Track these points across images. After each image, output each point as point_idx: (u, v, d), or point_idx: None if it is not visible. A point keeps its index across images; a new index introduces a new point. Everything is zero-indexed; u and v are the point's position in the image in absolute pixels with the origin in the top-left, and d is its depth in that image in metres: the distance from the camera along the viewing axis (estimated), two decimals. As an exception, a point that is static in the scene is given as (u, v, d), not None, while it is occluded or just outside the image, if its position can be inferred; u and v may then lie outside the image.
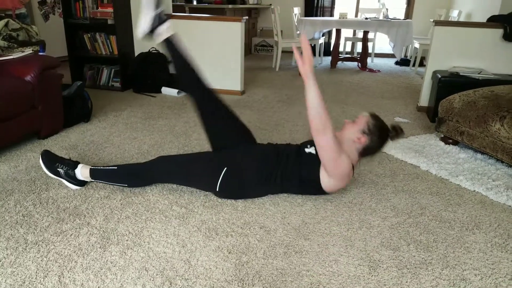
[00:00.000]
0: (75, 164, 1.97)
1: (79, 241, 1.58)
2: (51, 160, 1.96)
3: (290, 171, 1.90)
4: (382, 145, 1.93)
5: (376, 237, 1.67)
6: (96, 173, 1.97)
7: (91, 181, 2.01)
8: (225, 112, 2.04)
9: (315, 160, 1.87)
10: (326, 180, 1.87)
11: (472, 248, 1.62)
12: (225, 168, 1.89)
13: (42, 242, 1.57)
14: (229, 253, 1.54)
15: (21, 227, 1.67)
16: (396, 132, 1.94)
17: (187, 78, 2.00)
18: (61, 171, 1.95)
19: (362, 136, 1.87)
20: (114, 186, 2.03)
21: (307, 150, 1.93)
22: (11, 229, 1.65)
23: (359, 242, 1.63)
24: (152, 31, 1.93)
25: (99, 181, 2.00)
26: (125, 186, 2.02)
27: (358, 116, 1.97)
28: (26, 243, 1.57)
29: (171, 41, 1.96)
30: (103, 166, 2.02)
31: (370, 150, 1.92)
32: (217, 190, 1.91)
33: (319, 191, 1.93)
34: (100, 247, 1.55)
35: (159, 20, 1.92)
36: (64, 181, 1.98)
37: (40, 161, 1.96)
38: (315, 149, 1.88)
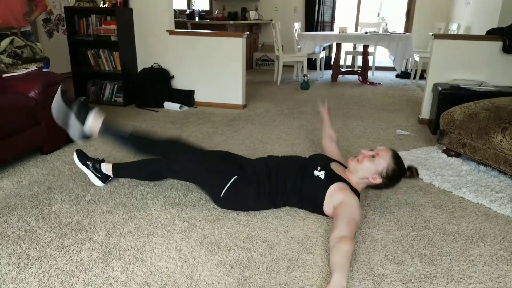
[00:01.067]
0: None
1: (81, 257, 1.58)
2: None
3: (291, 186, 1.89)
4: (394, 186, 1.93)
5: (380, 251, 1.66)
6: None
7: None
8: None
9: (321, 185, 1.84)
10: (329, 210, 1.83)
11: (477, 261, 1.60)
12: (235, 177, 1.89)
13: (44, 258, 1.57)
14: (231, 267, 1.53)
15: (23, 242, 1.67)
16: (411, 173, 1.91)
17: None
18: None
19: (378, 178, 1.85)
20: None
21: (316, 173, 1.88)
22: (13, 245, 1.65)
23: (363, 256, 1.62)
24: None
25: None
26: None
27: (379, 150, 1.89)
28: (28, 258, 1.56)
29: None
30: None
31: (379, 188, 1.93)
32: (221, 195, 1.90)
33: (317, 210, 1.90)
34: (102, 263, 1.54)
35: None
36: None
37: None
38: (325, 175, 1.86)
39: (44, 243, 1.66)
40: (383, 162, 1.84)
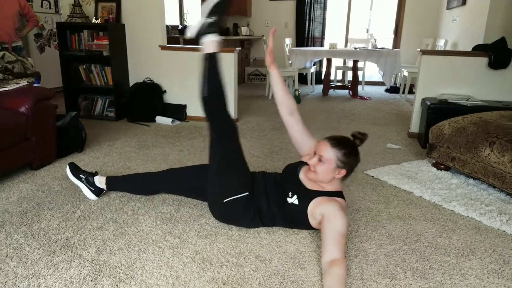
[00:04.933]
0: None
1: (70, 274, 1.55)
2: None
3: (276, 212, 1.87)
4: (358, 159, 1.85)
5: (373, 265, 1.66)
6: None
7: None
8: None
9: (298, 211, 1.80)
10: (318, 225, 1.80)
11: (469, 274, 1.61)
12: (247, 193, 1.85)
13: (33, 276, 1.53)
14: (224, 284, 1.52)
15: (11, 260, 1.64)
16: (360, 139, 1.85)
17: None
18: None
19: (340, 170, 1.79)
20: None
21: (289, 200, 1.82)
22: (1, 263, 1.61)
23: (355, 271, 1.62)
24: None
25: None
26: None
27: (316, 149, 1.82)
28: (16, 277, 1.53)
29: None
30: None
31: (350, 172, 1.85)
32: (224, 201, 1.85)
33: (307, 228, 1.88)
34: (91, 280, 1.52)
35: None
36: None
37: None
38: (298, 199, 1.80)
39: (32, 261, 1.63)
40: (330, 156, 1.76)
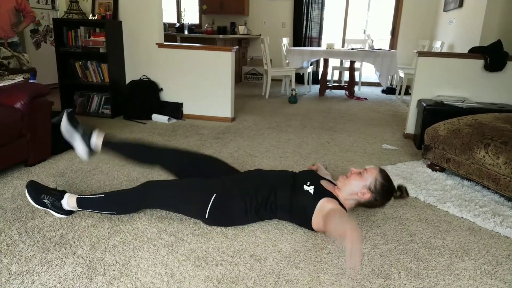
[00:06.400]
0: (61, 194, 1.94)
1: (64, 272, 1.54)
2: (37, 191, 1.92)
3: (281, 201, 1.89)
4: (384, 205, 1.95)
5: (367, 265, 1.67)
6: (83, 202, 1.94)
7: (78, 210, 1.98)
8: (198, 159, 2.17)
9: (310, 200, 1.84)
10: (319, 224, 1.82)
11: (462, 275, 1.62)
12: (214, 195, 1.88)
13: (27, 273, 1.53)
14: (218, 283, 1.52)
15: (4, 257, 1.63)
16: (401, 193, 1.93)
17: (151, 158, 2.14)
18: (47, 202, 1.91)
19: (367, 192, 1.87)
20: (102, 214, 2.00)
21: (305, 187, 1.88)
22: (-6, 260, 1.60)
23: (350, 270, 1.62)
24: (90, 148, 2.07)
25: (87, 210, 1.98)
26: (113, 214, 1.99)
27: (367, 168, 1.94)
28: (9, 273, 1.52)
29: (109, 142, 2.09)
30: (90, 195, 1.98)
31: (369, 205, 1.94)
32: (206, 217, 1.89)
33: (306, 224, 1.90)
34: (86, 278, 1.51)
35: (86, 136, 2.07)
36: (50, 211, 1.95)
37: (26, 192, 1.92)
38: (314, 189, 1.86)
39: (26, 258, 1.62)
40: (370, 177, 1.88)
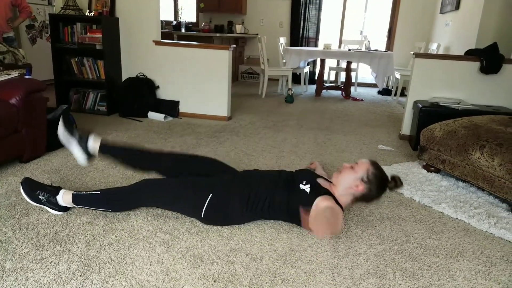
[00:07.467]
0: (56, 190, 1.92)
1: (59, 269, 1.53)
2: (32, 188, 1.91)
3: (278, 201, 1.88)
4: (379, 195, 1.94)
5: (363, 265, 1.67)
6: (79, 199, 1.92)
7: (74, 206, 1.97)
8: (195, 162, 2.16)
9: (306, 199, 1.84)
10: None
11: (457, 276, 1.63)
12: (211, 195, 1.87)
13: (21, 270, 1.51)
14: (214, 281, 1.51)
15: (-2, 254, 1.61)
16: (395, 183, 1.93)
17: (147, 165, 2.14)
18: (43, 198, 1.90)
19: (360, 184, 1.87)
20: (97, 211, 1.99)
21: (301, 186, 1.89)
22: (-13, 256, 1.59)
23: (345, 270, 1.63)
24: (88, 153, 2.06)
25: (82, 206, 1.96)
26: (108, 211, 1.98)
27: (358, 161, 1.96)
28: (3, 270, 1.51)
29: (106, 145, 2.06)
30: (86, 191, 1.97)
31: (366, 198, 1.94)
32: (202, 216, 1.88)
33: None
34: (81, 275, 1.50)
35: (83, 141, 2.05)
36: (46, 207, 1.93)
37: (21, 189, 1.90)
38: (310, 188, 1.86)
39: (20, 255, 1.61)
40: (362, 168, 1.90)
